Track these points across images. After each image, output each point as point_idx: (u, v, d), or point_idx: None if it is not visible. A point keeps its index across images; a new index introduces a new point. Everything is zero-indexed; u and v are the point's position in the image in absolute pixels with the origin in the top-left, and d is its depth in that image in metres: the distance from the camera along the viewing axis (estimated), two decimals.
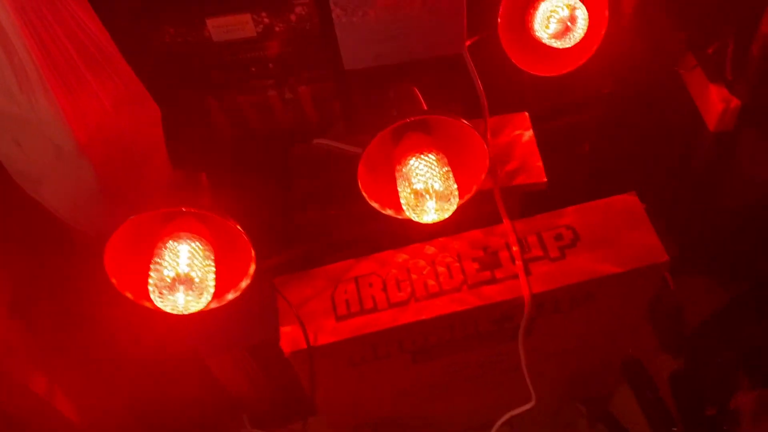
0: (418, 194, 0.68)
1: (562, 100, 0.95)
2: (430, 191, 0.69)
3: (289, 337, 0.73)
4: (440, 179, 0.69)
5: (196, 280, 0.64)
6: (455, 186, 0.69)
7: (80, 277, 0.83)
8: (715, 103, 0.86)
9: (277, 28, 0.80)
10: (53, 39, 0.65)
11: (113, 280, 0.66)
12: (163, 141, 0.80)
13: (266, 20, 0.79)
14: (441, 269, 0.76)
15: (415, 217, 0.69)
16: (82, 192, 0.73)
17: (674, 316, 1.08)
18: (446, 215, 0.69)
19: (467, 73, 0.85)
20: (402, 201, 0.70)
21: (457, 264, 0.76)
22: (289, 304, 0.74)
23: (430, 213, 0.69)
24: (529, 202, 0.87)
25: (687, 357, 1.08)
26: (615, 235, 0.75)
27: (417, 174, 0.69)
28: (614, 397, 1.11)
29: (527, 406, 0.85)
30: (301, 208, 0.82)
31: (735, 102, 0.85)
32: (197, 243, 0.66)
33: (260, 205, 0.84)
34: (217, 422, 1.09)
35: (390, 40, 0.82)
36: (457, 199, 0.69)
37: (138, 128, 0.75)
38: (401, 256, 0.77)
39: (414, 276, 0.76)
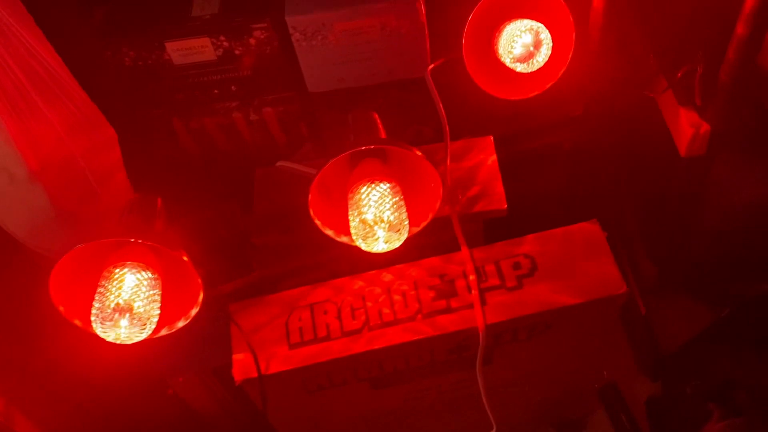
0: (366, 223, 0.67)
1: (530, 123, 0.94)
2: (381, 221, 0.68)
3: (241, 365, 0.72)
4: (391, 210, 0.68)
5: (140, 311, 0.64)
6: (406, 217, 0.69)
7: (39, 297, 0.83)
8: (685, 127, 0.85)
9: (237, 52, 0.80)
10: (2, 68, 0.65)
11: (60, 308, 0.66)
12: (122, 164, 0.80)
13: (225, 44, 0.79)
14: (397, 297, 0.75)
15: (364, 246, 0.69)
16: (37, 216, 0.74)
17: (648, 340, 1.07)
18: (395, 245, 0.69)
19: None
20: (352, 230, 0.69)
21: (413, 292, 0.75)
22: (241, 332, 0.73)
23: (380, 243, 0.68)
24: (496, 228, 0.86)
25: (663, 382, 1.07)
26: (573, 265, 0.74)
27: (368, 203, 0.69)
28: (589, 421, 1.09)
29: None
30: (261, 231, 0.81)
31: (705, 127, 0.84)
32: (144, 273, 0.66)
33: (222, 227, 0.84)
34: None
35: (351, 63, 0.81)
36: (406, 231, 0.69)
37: (93, 152, 0.75)
38: (357, 283, 0.76)
39: (369, 304, 0.75)
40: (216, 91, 0.84)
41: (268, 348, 0.73)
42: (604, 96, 0.92)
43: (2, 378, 0.80)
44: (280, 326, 0.74)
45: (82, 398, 0.92)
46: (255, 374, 0.72)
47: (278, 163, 0.86)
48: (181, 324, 0.70)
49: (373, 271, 0.77)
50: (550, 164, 0.99)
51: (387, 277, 0.77)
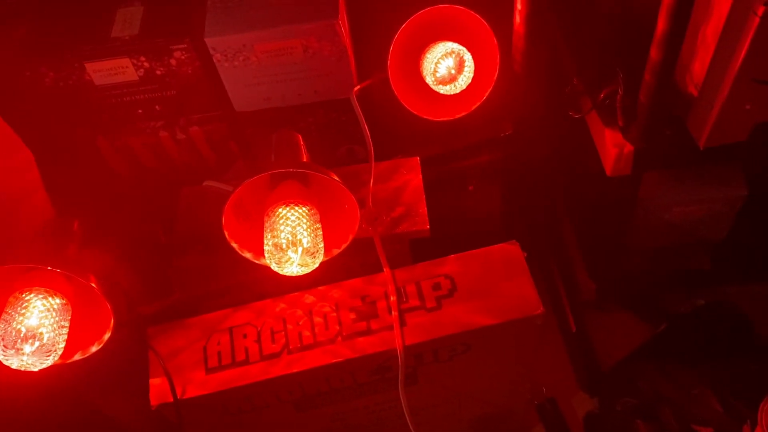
0: (278, 247, 0.67)
1: (462, 142, 0.95)
2: (295, 244, 0.68)
3: (157, 390, 0.71)
4: (307, 233, 0.68)
5: (45, 338, 0.62)
6: (321, 240, 0.69)
7: None
8: (610, 147, 0.86)
9: (158, 72, 0.79)
10: None
11: None
12: (41, 185, 0.78)
13: (146, 64, 0.78)
14: (318, 319, 0.75)
15: (277, 269, 0.68)
16: None
17: (584, 356, 1.08)
18: (310, 269, 0.68)
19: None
20: (266, 251, 0.69)
21: (335, 314, 0.75)
22: (158, 356, 0.72)
23: (293, 266, 0.68)
24: (426, 248, 0.86)
25: (600, 398, 1.07)
26: (492, 285, 0.74)
27: (284, 226, 0.68)
28: None
29: None
30: (181, 252, 0.80)
31: (628, 147, 0.85)
32: (51, 299, 0.64)
33: (144, 248, 0.83)
34: None
35: (276, 84, 0.81)
36: (322, 255, 0.69)
37: (8, 174, 0.73)
38: (279, 306, 0.76)
39: (290, 326, 0.74)
40: (140, 110, 0.83)
41: (185, 372, 0.72)
42: (533, 116, 0.93)
43: None
44: (198, 350, 0.74)
45: (7, 418, 0.90)
46: (171, 399, 0.71)
47: (205, 182, 0.86)
48: (94, 349, 0.69)
49: (296, 293, 0.77)
50: (483, 183, 1.00)
51: (309, 299, 0.76)
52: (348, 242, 0.73)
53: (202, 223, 0.83)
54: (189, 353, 0.73)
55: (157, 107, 0.83)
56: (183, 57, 0.78)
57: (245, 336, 0.74)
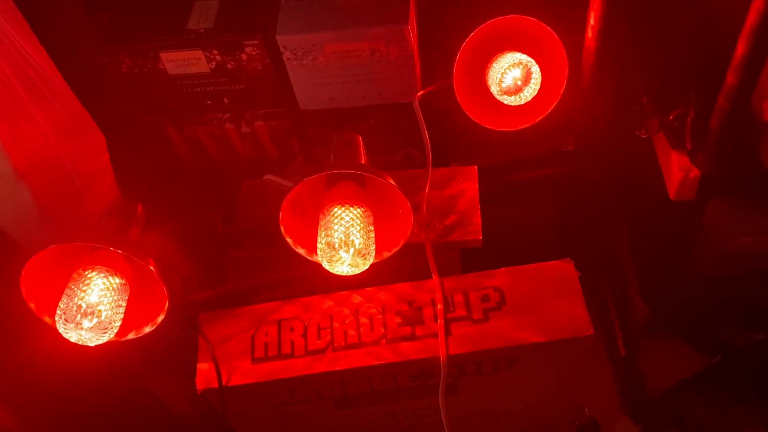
0: (331, 246, 0.68)
1: (522, 154, 0.94)
2: (348, 244, 0.68)
3: (204, 375, 0.73)
4: (360, 234, 0.69)
5: (103, 315, 0.65)
6: (373, 242, 0.69)
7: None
8: (675, 171, 0.84)
9: (229, 66, 0.81)
10: None
11: (31, 305, 0.68)
12: (110, 168, 0.82)
13: (218, 57, 0.80)
14: (363, 320, 0.75)
15: (328, 267, 0.69)
16: (21, 213, 0.76)
17: (631, 381, 1.05)
18: (360, 270, 0.69)
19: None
20: (318, 249, 0.70)
21: (380, 316, 0.75)
22: (207, 342, 0.74)
23: (344, 266, 0.68)
24: (476, 257, 0.86)
25: (644, 425, 1.05)
26: (542, 303, 0.73)
27: (338, 225, 0.69)
28: None
29: None
30: (239, 243, 0.82)
31: (695, 172, 0.83)
32: (112, 278, 0.67)
33: (202, 236, 0.86)
34: None
35: (341, 84, 0.82)
36: (372, 257, 0.69)
37: (81, 156, 0.77)
38: (327, 303, 0.77)
39: (336, 324, 0.75)
40: (209, 102, 0.86)
41: (232, 360, 0.74)
42: (597, 132, 0.91)
43: None
44: (246, 339, 0.75)
45: (61, 390, 0.94)
46: (216, 385, 0.73)
47: (265, 177, 0.87)
48: (148, 329, 0.71)
49: (344, 292, 0.77)
50: (540, 197, 0.99)
51: (357, 299, 0.77)
52: (399, 246, 0.73)
53: (261, 216, 0.85)
54: (237, 342, 0.75)
55: (225, 100, 0.85)
56: (254, 53, 0.79)
57: (292, 329, 0.75)
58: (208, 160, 0.95)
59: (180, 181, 0.95)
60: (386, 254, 0.74)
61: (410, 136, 0.90)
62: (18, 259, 0.85)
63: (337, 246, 0.68)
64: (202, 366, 0.74)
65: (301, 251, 0.73)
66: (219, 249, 0.83)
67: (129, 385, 0.96)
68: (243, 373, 0.73)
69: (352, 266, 0.69)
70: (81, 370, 0.93)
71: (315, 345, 0.74)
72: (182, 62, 0.81)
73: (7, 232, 0.80)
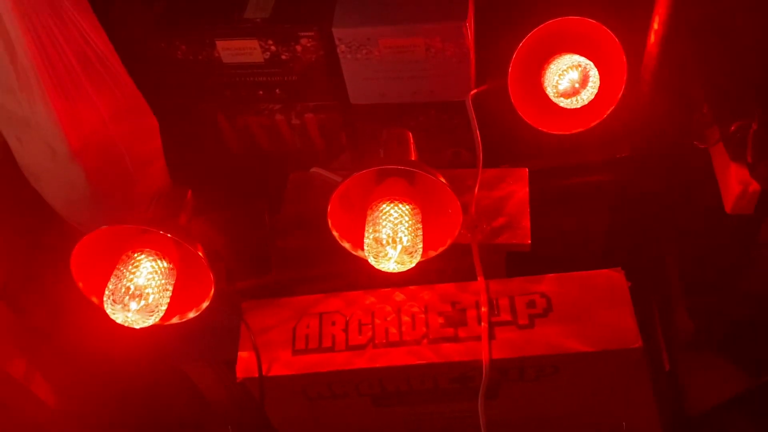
0: (379, 242, 0.67)
1: (574, 159, 0.92)
2: (395, 241, 0.68)
3: (244, 363, 0.74)
4: (408, 231, 0.68)
5: (150, 299, 0.66)
6: (421, 241, 0.68)
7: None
8: (733, 184, 0.81)
9: (283, 57, 0.81)
10: (55, 47, 0.68)
11: (80, 284, 0.69)
12: (161, 153, 0.82)
13: (273, 48, 0.80)
14: (405, 318, 0.74)
15: (374, 263, 0.69)
16: (74, 194, 0.77)
17: (672, 398, 1.02)
18: (405, 268, 0.68)
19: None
20: (365, 244, 0.69)
21: (423, 316, 0.74)
22: (249, 331, 0.74)
23: (390, 262, 0.68)
24: (521, 261, 0.84)
25: None
26: (590, 311, 0.72)
27: (386, 221, 0.69)
28: None
29: None
30: (286, 233, 0.82)
31: (754, 186, 0.80)
32: (160, 262, 0.68)
33: (248, 225, 0.86)
34: (201, 424, 1.10)
35: (394, 80, 0.82)
36: (419, 255, 0.68)
37: (134, 139, 0.78)
38: (369, 299, 0.76)
39: (377, 321, 0.75)
40: (261, 92, 0.86)
41: (272, 350, 0.74)
42: (654, 140, 0.88)
43: (27, 341, 0.84)
44: (287, 330, 0.75)
45: (100, 369, 0.96)
46: (256, 374, 0.73)
47: (312, 169, 0.87)
48: (191, 315, 0.72)
49: (387, 289, 0.77)
50: (589, 203, 0.96)
51: (399, 296, 0.76)
52: (446, 246, 0.72)
53: (307, 208, 0.85)
54: (278, 332, 0.75)
55: (277, 91, 0.85)
56: (309, 44, 0.79)
57: (333, 323, 0.75)
58: (255, 149, 0.95)
59: (226, 169, 0.96)
60: (432, 253, 0.73)
61: (458, 135, 0.89)
62: (67, 239, 0.87)
63: (384, 242, 0.67)
64: (243, 354, 0.74)
65: (347, 245, 0.73)
66: (264, 239, 0.83)
67: (166, 369, 0.97)
68: (283, 363, 0.73)
69: (399, 263, 0.68)
70: (121, 352, 0.94)
71: (356, 340, 0.74)
72: (237, 51, 0.81)
73: (58, 210, 0.82)
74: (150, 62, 0.83)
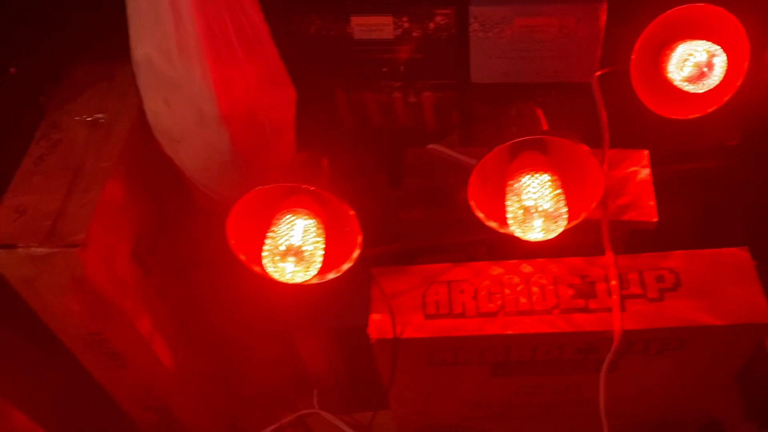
0: (527, 210, 0.69)
1: (685, 145, 0.94)
2: (539, 210, 0.70)
3: (377, 325, 0.76)
4: (551, 199, 0.70)
5: (306, 254, 0.68)
6: (565, 209, 0.71)
7: (198, 236, 0.90)
8: None
9: (414, 34, 0.84)
10: (216, 15, 0.71)
11: (231, 242, 0.72)
12: (294, 123, 0.85)
13: (406, 24, 0.83)
14: (535, 289, 0.77)
15: (519, 233, 0.71)
16: (215, 158, 0.80)
17: (763, 383, 1.03)
18: (551, 236, 0.71)
19: (589, 103, 0.85)
20: (509, 215, 0.71)
21: (552, 287, 0.76)
22: (383, 294, 0.77)
23: (536, 231, 0.70)
24: (633, 242, 0.86)
25: None
26: (719, 287, 0.74)
27: (528, 191, 0.71)
28: None
29: None
30: (408, 206, 0.85)
31: None
32: (313, 220, 0.70)
33: (370, 198, 0.88)
34: (287, 393, 1.13)
35: (521, 59, 0.84)
36: (564, 222, 0.70)
37: (274, 107, 0.80)
38: (496, 270, 0.79)
39: (507, 291, 0.77)
40: (385, 69, 0.89)
41: (404, 314, 0.76)
42: (765, 129, 0.90)
43: (153, 302, 0.87)
44: (417, 296, 0.77)
45: (216, 331, 0.99)
46: (390, 335, 0.75)
47: (429, 146, 0.90)
48: (331, 276, 0.74)
49: (514, 261, 0.79)
50: (694, 190, 0.98)
51: (527, 268, 0.78)
52: (581, 218, 0.74)
53: (427, 182, 0.87)
54: (408, 298, 0.77)
55: (401, 68, 0.88)
56: (442, 22, 0.82)
57: (462, 291, 0.77)
58: (365, 125, 0.98)
59: (341, 143, 0.98)
60: (567, 225, 0.75)
61: (574, 117, 0.91)
62: (185, 208, 0.89)
63: (532, 209, 0.69)
64: (376, 317, 0.77)
65: (481, 215, 0.75)
66: (387, 210, 0.86)
67: (275, 336, 1.00)
68: (416, 327, 0.75)
69: (544, 231, 0.70)
70: (234, 319, 0.97)
71: (486, 308, 0.76)
72: (370, 27, 0.84)
73: (192, 176, 0.84)
74: (282, 36, 0.86)
